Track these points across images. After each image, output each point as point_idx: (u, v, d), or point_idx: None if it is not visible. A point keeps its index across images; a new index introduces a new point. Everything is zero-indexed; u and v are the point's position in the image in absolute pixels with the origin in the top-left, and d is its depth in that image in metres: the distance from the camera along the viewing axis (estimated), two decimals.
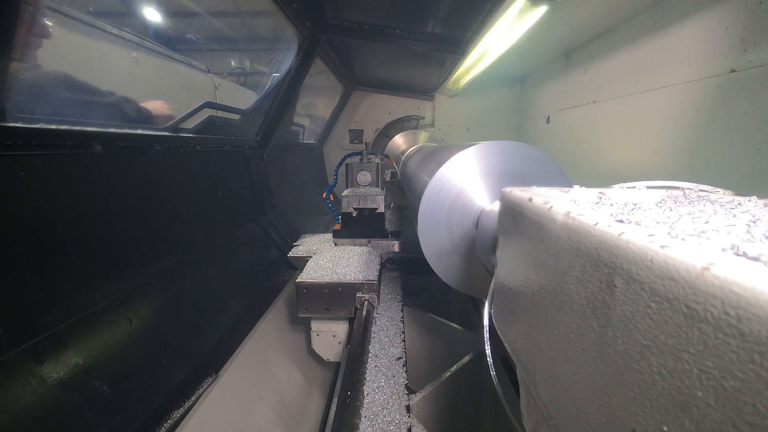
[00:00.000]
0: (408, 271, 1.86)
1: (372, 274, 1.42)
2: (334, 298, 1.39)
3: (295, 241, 2.00)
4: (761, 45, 1.07)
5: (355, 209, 1.86)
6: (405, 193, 2.25)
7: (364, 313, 1.34)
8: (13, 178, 0.86)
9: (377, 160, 2.16)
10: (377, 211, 1.87)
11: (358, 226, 1.89)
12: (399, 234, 1.94)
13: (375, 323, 1.37)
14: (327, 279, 1.39)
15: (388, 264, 1.85)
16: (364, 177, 2.11)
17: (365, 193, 1.89)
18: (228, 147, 1.98)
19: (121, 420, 0.98)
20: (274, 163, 2.46)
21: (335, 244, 1.90)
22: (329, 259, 1.59)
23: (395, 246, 1.88)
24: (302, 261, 1.74)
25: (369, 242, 1.90)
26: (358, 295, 1.38)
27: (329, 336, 1.47)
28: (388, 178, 2.63)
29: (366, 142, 2.39)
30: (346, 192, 1.93)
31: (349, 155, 2.27)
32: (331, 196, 2.07)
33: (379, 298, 1.43)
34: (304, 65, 2.18)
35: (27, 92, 0.93)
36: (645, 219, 0.36)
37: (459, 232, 1.03)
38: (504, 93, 3.52)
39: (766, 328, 0.21)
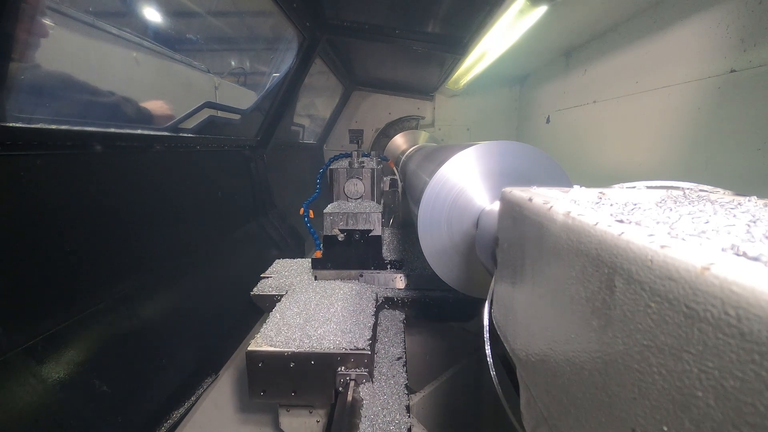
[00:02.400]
0: (415, 314, 1.43)
1: (362, 337, 1.02)
2: (305, 375, 0.97)
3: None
4: (761, 45, 1.07)
5: (342, 231, 1.46)
6: (409, 206, 1.76)
7: (350, 398, 0.93)
8: (13, 178, 0.86)
9: (372, 164, 1.71)
10: (372, 234, 1.46)
11: (345, 254, 1.48)
12: (402, 264, 1.52)
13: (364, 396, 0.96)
14: (293, 347, 0.98)
15: (386, 306, 1.43)
16: (355, 187, 1.64)
17: (356, 208, 1.49)
18: (228, 147, 1.98)
19: (121, 420, 0.98)
20: (274, 163, 2.46)
21: (315, 278, 1.50)
22: (302, 307, 1.18)
23: (397, 280, 1.48)
24: (271, 301, 1.38)
25: (361, 276, 1.49)
26: (341, 371, 0.97)
27: (303, 413, 1.09)
28: (387, 188, 2.06)
29: (358, 141, 1.87)
30: (329, 207, 1.52)
31: (336, 157, 1.82)
32: (311, 211, 1.65)
33: (372, 375, 1.00)
34: (304, 65, 2.18)
35: (27, 92, 0.93)
36: (645, 219, 0.36)
37: (459, 232, 1.03)
38: (504, 93, 3.52)
39: (766, 328, 0.21)
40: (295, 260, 1.73)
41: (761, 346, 0.21)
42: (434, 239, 1.05)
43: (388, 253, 1.62)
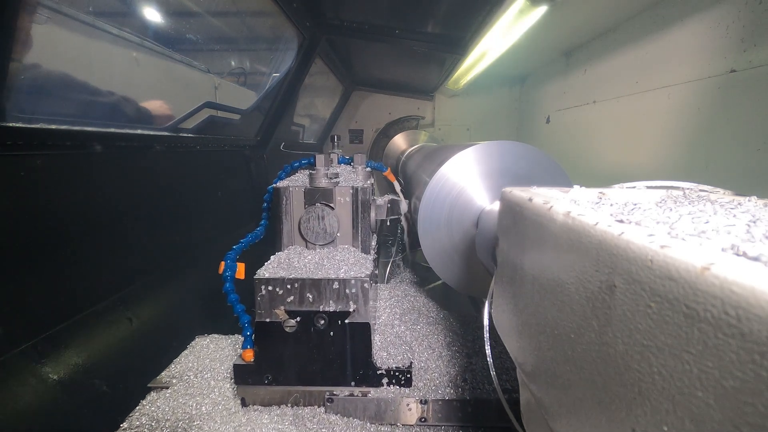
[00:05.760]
0: None
1: None
2: None
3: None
4: (761, 45, 1.07)
5: (293, 314, 0.84)
6: (418, 234, 1.07)
7: None
8: (13, 178, 0.86)
9: (357, 178, 1.05)
10: (352, 320, 0.85)
11: (299, 357, 0.86)
12: (410, 376, 0.87)
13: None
14: None
15: None
16: (320, 222, 0.95)
17: (319, 269, 0.87)
18: (228, 147, 1.98)
19: (121, 420, 0.98)
20: (274, 163, 2.46)
21: (242, 403, 0.89)
22: None
23: (402, 409, 0.85)
24: None
25: (330, 400, 0.86)
26: None
27: None
28: (383, 215, 1.18)
29: (333, 136, 1.24)
30: (267, 267, 0.91)
31: (296, 165, 1.19)
32: (241, 267, 0.98)
33: None
34: (304, 65, 2.18)
35: (27, 92, 0.93)
36: (645, 219, 0.36)
37: (459, 232, 1.03)
38: (504, 93, 3.52)
39: (766, 328, 0.21)
40: (230, 338, 1.11)
41: (761, 346, 0.21)
42: (434, 239, 1.04)
43: (384, 351, 0.92)
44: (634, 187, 0.59)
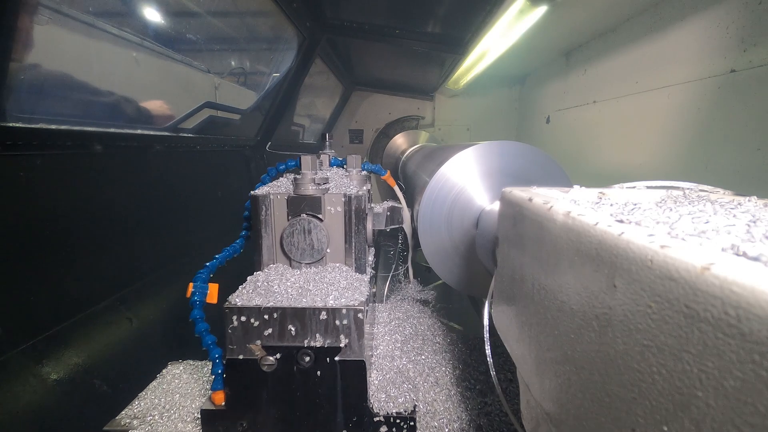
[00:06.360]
0: None
1: None
2: None
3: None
4: (761, 45, 1.07)
5: (271, 350, 0.72)
6: (421, 246, 1.02)
7: None
8: (13, 178, 0.86)
9: (351, 184, 0.92)
10: (344, 358, 0.72)
11: (279, 402, 0.74)
12: (414, 424, 0.76)
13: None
14: None
15: None
16: (307, 238, 0.83)
17: (302, 296, 0.74)
18: (228, 147, 1.98)
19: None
20: (273, 163, 2.46)
21: None
22: None
23: None
24: None
25: None
26: None
27: None
28: (383, 225, 1.08)
29: (325, 134, 1.15)
30: (240, 294, 0.76)
31: (282, 167, 1.04)
32: (213, 289, 0.86)
33: None
34: (304, 65, 2.19)
35: (27, 92, 0.93)
36: (645, 219, 0.36)
37: (459, 232, 1.03)
38: (504, 93, 3.52)
39: (766, 328, 0.21)
40: (207, 366, 0.98)
41: (761, 346, 0.21)
42: (434, 239, 1.05)
43: (382, 392, 0.79)
44: (634, 187, 0.59)
